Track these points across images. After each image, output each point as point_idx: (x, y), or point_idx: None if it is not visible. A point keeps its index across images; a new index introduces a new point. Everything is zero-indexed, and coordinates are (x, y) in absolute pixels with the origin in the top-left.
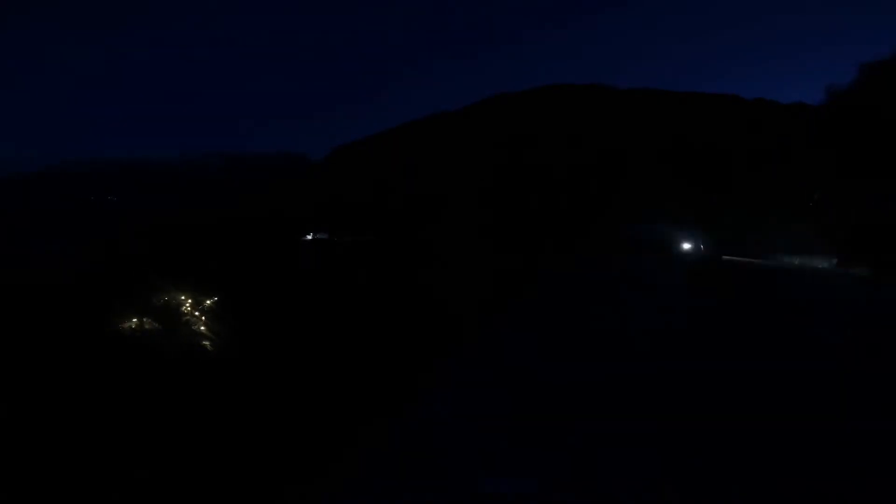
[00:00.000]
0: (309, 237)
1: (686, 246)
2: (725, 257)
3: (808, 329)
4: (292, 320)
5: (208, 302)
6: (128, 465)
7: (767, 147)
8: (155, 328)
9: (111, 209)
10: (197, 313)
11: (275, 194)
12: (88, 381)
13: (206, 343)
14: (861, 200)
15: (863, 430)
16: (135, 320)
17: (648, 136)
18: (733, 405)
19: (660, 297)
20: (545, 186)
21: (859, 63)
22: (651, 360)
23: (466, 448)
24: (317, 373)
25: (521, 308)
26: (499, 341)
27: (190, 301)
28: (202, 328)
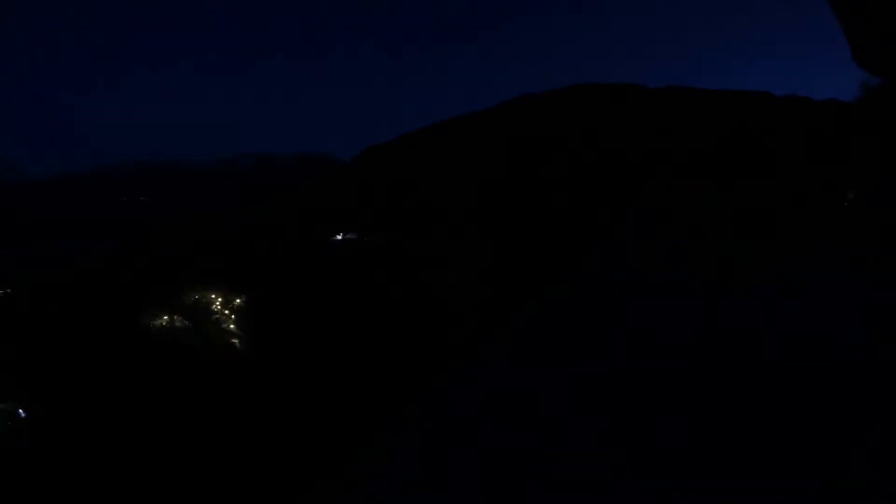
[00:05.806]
0: (339, 237)
1: None
2: None
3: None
4: (317, 320)
5: (238, 300)
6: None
7: (800, 145)
8: (185, 325)
9: (143, 210)
10: (227, 311)
11: (304, 195)
12: (122, 376)
13: (236, 341)
14: None
15: None
16: (165, 318)
17: (678, 136)
18: None
19: None
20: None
21: None
22: None
23: None
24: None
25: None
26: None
27: (220, 300)
28: (231, 326)
